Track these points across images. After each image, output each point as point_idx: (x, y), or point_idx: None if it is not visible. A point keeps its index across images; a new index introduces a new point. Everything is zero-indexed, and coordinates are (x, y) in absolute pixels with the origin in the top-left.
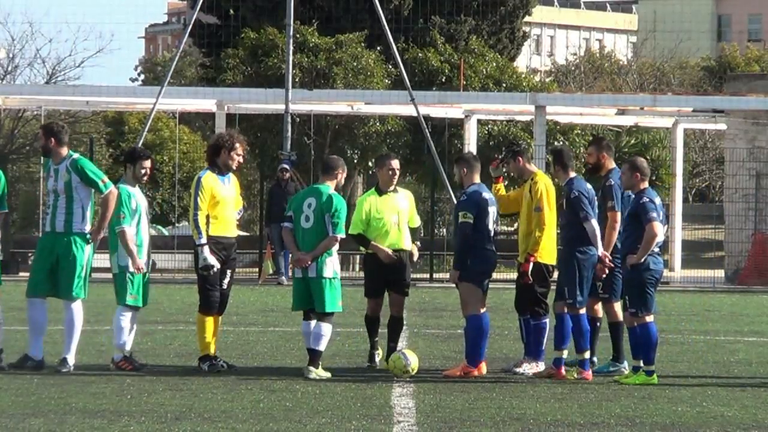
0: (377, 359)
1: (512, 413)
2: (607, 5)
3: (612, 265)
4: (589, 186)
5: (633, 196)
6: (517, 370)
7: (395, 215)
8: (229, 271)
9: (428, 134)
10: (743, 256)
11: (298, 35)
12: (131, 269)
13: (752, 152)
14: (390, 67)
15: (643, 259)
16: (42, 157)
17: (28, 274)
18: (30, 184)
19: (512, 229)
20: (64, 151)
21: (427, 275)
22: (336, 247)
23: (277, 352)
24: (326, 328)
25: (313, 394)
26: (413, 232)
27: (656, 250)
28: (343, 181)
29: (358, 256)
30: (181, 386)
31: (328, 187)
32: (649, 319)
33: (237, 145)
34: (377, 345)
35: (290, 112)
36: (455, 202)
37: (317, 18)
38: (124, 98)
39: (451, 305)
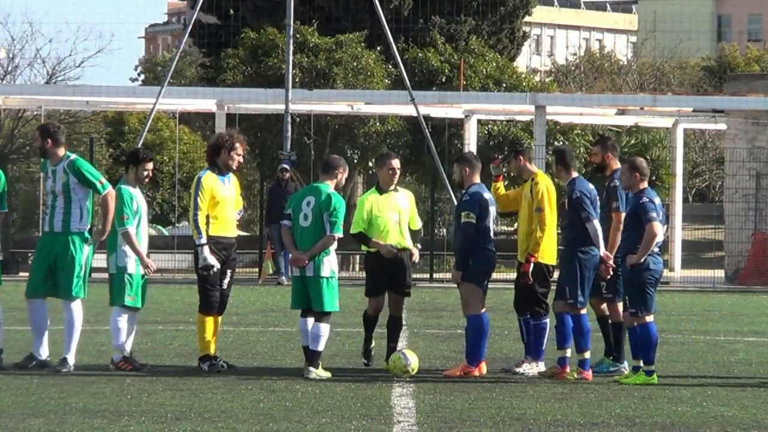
0: (372, 354)
1: (512, 413)
2: (607, 5)
3: (614, 266)
4: (591, 186)
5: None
6: (518, 370)
7: (396, 214)
8: (229, 271)
9: (428, 134)
10: (743, 256)
11: (298, 35)
12: (129, 270)
13: (752, 152)
14: (390, 67)
15: (642, 259)
16: (40, 158)
17: (28, 274)
18: (30, 184)
19: (512, 229)
20: (61, 151)
21: (427, 275)
22: (334, 246)
23: (277, 352)
24: (324, 328)
25: (313, 394)
26: (414, 234)
27: (656, 250)
28: (343, 181)
29: (358, 256)
30: (181, 386)
31: (328, 186)
32: (649, 319)
33: (237, 145)
34: (372, 339)
35: (290, 112)
36: (455, 202)
37: (317, 18)
38: (124, 98)
39: (451, 305)
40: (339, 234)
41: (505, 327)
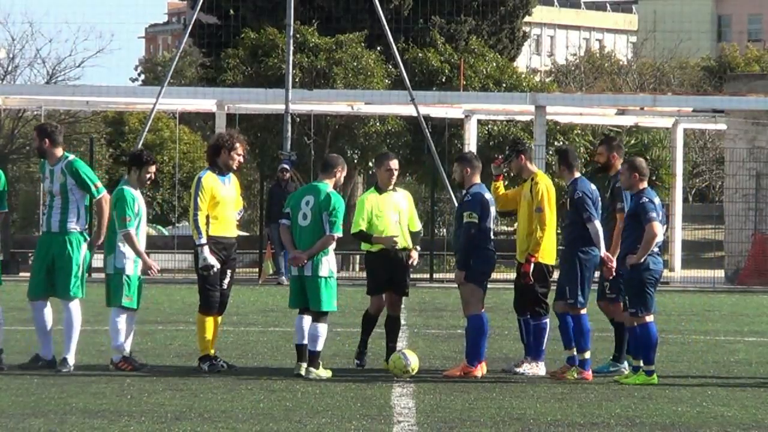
0: (365, 357)
1: (512, 413)
2: (607, 5)
3: (614, 266)
4: (593, 187)
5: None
6: (518, 370)
7: (396, 214)
8: (229, 271)
9: (428, 134)
10: (743, 256)
11: (298, 35)
12: (128, 272)
13: (752, 152)
14: (390, 67)
15: (642, 259)
16: (39, 158)
17: (28, 274)
18: (30, 184)
19: (512, 229)
20: (59, 151)
21: (427, 275)
22: (333, 246)
23: (277, 352)
24: (322, 328)
25: (313, 394)
26: (414, 236)
27: (656, 250)
28: (342, 180)
29: (358, 256)
30: (181, 386)
31: (327, 185)
32: (649, 319)
33: (237, 145)
34: (367, 344)
35: (290, 112)
36: (455, 202)
37: (317, 18)
38: (124, 98)
39: (451, 305)
40: (338, 234)
41: (505, 327)
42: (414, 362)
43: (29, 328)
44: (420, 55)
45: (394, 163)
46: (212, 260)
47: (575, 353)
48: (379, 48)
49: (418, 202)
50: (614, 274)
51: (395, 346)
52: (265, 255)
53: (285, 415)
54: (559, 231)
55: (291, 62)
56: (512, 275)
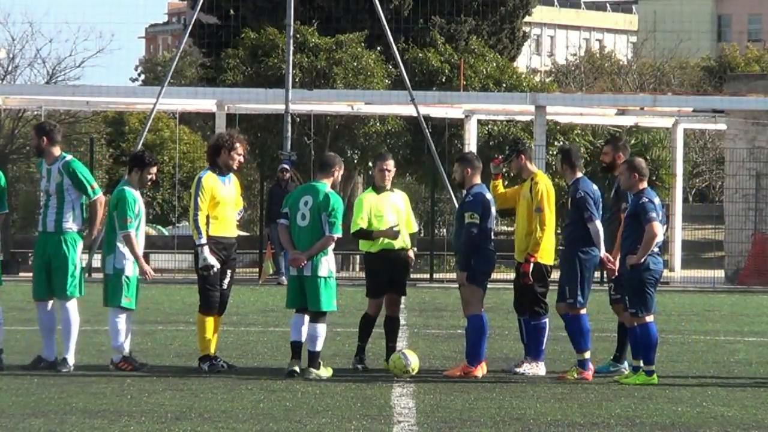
0: (364, 360)
1: (512, 413)
2: (607, 5)
3: (613, 267)
4: (595, 187)
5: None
6: (518, 370)
7: (394, 214)
8: (229, 271)
9: (428, 134)
10: (743, 256)
11: (298, 35)
12: (127, 272)
13: (752, 152)
14: (390, 67)
15: (642, 260)
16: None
17: (28, 274)
18: (30, 184)
19: (512, 229)
20: (57, 150)
21: (427, 275)
22: (332, 246)
23: (277, 352)
24: (321, 329)
25: (313, 394)
26: (411, 237)
27: (656, 250)
28: (339, 179)
29: (358, 256)
30: (181, 386)
31: (325, 185)
32: (649, 319)
33: (237, 144)
34: (364, 351)
35: (290, 112)
36: (455, 202)
37: (317, 18)
38: (124, 98)
39: (451, 305)
40: (338, 234)
41: (505, 327)
42: (414, 362)
43: (29, 328)
44: (420, 55)
45: (389, 164)
46: (212, 260)
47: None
48: (379, 48)
49: (418, 202)
50: (617, 273)
51: (395, 346)
52: (265, 255)
53: (285, 415)
54: (559, 231)
55: (291, 62)
56: (512, 275)
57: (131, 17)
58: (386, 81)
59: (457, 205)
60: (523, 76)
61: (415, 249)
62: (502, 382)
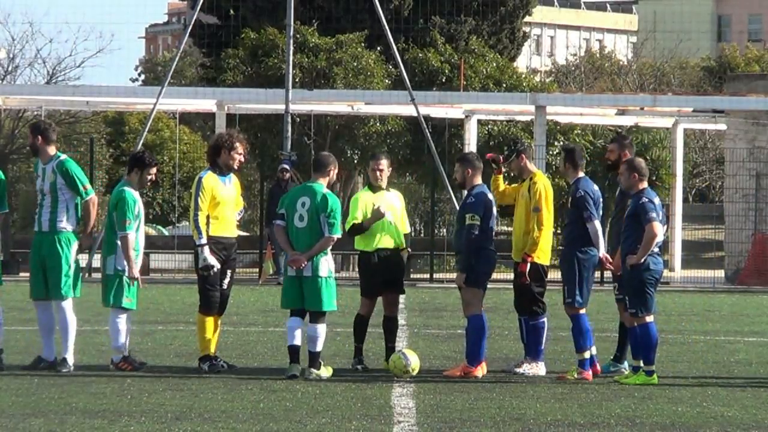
0: (363, 361)
1: (512, 413)
2: (607, 5)
3: (612, 267)
4: (595, 187)
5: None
6: (518, 370)
7: (390, 213)
8: (229, 272)
9: (428, 134)
10: (743, 256)
11: (298, 35)
12: (128, 273)
13: (752, 152)
14: (390, 67)
15: (643, 260)
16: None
17: (28, 274)
18: (30, 184)
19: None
20: (52, 150)
21: (427, 275)
22: (330, 246)
23: (277, 352)
24: (321, 329)
25: (313, 394)
26: (405, 238)
27: (656, 250)
28: (335, 178)
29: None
30: (181, 386)
31: (322, 185)
32: (649, 319)
33: (237, 144)
34: (362, 352)
35: (290, 112)
36: (455, 202)
37: (317, 18)
38: (124, 98)
39: (451, 305)
40: (337, 235)
41: (505, 327)
42: (414, 362)
43: (29, 328)
44: (420, 55)
45: (381, 163)
46: (212, 260)
47: (594, 353)
48: (379, 48)
49: (418, 202)
50: (619, 273)
51: (394, 346)
52: (265, 255)
53: (285, 415)
54: (558, 231)
55: (291, 62)
56: (512, 275)
57: (131, 17)
58: (386, 81)
59: (457, 206)
60: (523, 76)
61: (409, 250)
62: (502, 382)
